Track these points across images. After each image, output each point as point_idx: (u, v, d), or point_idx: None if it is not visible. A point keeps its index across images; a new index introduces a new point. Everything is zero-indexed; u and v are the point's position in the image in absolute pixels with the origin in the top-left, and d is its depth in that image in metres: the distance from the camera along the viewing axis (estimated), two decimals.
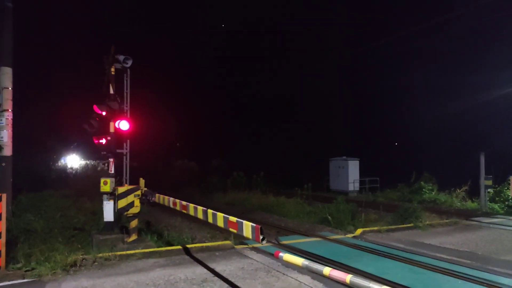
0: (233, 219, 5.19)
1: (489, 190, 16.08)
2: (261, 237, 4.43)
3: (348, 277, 3.45)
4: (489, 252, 8.74)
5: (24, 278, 6.38)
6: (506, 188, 16.20)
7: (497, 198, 16.45)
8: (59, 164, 19.96)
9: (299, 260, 4.13)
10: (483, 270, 7.20)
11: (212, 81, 46.55)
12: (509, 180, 15.40)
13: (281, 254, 4.42)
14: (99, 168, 20.05)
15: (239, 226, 4.95)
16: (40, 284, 6.18)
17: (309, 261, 4.09)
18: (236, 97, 44.16)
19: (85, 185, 16.94)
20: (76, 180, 18.30)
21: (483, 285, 6.29)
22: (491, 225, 12.31)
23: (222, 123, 43.51)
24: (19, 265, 6.87)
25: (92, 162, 20.75)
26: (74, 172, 19.45)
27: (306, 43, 39.82)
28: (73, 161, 22.28)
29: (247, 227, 4.74)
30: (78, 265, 7.01)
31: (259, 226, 4.51)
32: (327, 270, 3.66)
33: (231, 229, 5.26)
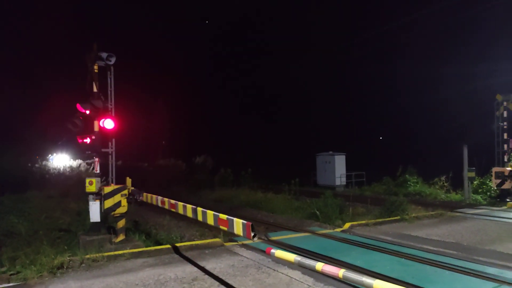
0: (223, 216, 5.16)
1: (474, 181, 16.43)
2: (252, 234, 4.42)
3: (340, 272, 3.46)
4: (474, 242, 8.92)
5: (9, 282, 6.23)
6: (488, 180, 16.57)
7: (480, 190, 16.82)
8: (45, 163, 19.36)
9: (291, 256, 4.13)
10: (469, 260, 7.34)
11: (197, 77, 46.24)
12: (492, 171, 15.76)
13: (273, 250, 4.42)
14: (82, 168, 19.65)
15: (230, 224, 4.92)
16: (26, 287, 6.04)
17: (301, 257, 4.09)
18: (221, 93, 43.98)
19: (69, 185, 16.67)
20: (60, 181, 17.95)
21: (470, 275, 6.42)
22: (475, 216, 12.58)
23: (208, 119, 43.34)
24: (3, 269, 6.69)
25: (80, 162, 20.24)
26: (58, 172, 18.97)
27: (291, 37, 39.89)
28: (62, 160, 21.49)
29: (238, 225, 4.71)
30: (65, 267, 6.87)
31: (250, 223, 4.50)
32: (319, 266, 3.67)
33: (221, 227, 5.23)
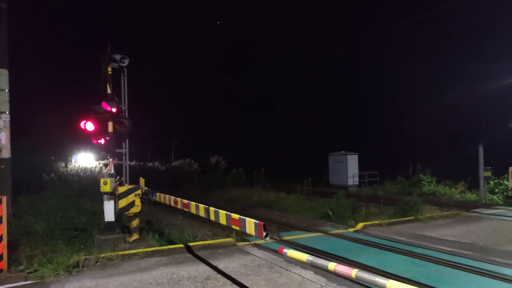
0: (235, 216, 5.18)
1: (490, 181, 16.14)
2: (264, 234, 4.43)
3: (353, 272, 3.45)
4: (491, 243, 8.77)
5: (27, 280, 6.36)
6: (506, 179, 16.24)
7: (496, 190, 16.51)
8: (62, 165, 19.51)
9: (303, 256, 4.12)
10: (485, 261, 7.23)
11: (210, 78, 46.47)
12: (509, 171, 15.44)
13: (285, 250, 4.42)
14: (97, 169, 19.85)
15: (242, 223, 4.94)
16: (43, 285, 6.17)
17: (313, 256, 4.09)
18: (234, 94, 44.14)
19: (84, 186, 16.93)
20: (76, 181, 18.21)
21: (486, 276, 6.32)
22: (491, 216, 12.35)
23: (221, 120, 43.51)
24: (21, 267, 6.85)
25: (98, 162, 20.31)
26: (75, 173, 19.13)
27: (301, 36, 39.69)
28: (86, 160, 21.39)
29: (250, 224, 4.72)
30: (80, 265, 6.99)
31: (262, 223, 4.50)
32: (332, 265, 3.66)
33: (233, 227, 5.25)
